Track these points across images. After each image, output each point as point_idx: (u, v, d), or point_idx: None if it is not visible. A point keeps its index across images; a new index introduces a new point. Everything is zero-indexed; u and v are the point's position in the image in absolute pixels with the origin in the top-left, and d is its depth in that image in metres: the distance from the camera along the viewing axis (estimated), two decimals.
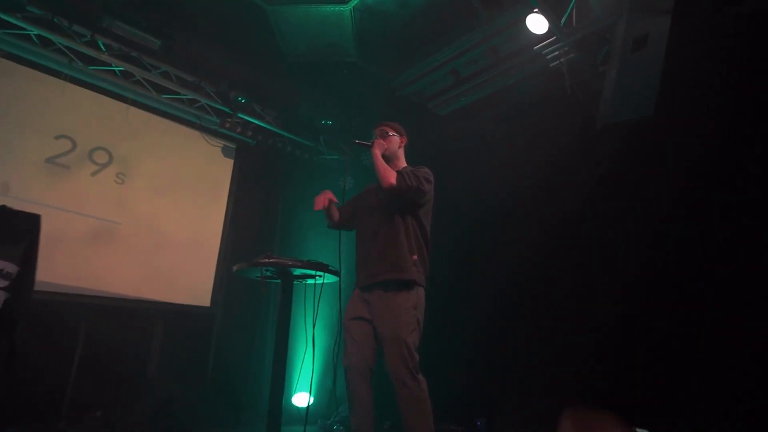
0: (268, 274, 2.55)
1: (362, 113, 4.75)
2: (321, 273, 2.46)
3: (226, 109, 4.29)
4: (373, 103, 4.62)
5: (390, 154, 2.47)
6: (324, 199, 2.47)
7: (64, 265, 3.48)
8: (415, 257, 2.27)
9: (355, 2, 3.52)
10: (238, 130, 4.33)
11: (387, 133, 2.51)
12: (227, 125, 4.25)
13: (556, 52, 2.98)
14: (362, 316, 2.30)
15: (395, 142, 2.51)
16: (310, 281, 2.66)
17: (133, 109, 3.97)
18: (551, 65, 3.07)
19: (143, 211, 3.97)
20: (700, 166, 2.21)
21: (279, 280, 2.60)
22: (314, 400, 4.27)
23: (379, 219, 2.37)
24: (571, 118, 3.00)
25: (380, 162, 2.33)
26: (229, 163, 4.63)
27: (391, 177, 2.26)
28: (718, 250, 2.21)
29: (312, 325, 2.58)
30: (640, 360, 2.48)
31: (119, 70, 3.79)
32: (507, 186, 3.50)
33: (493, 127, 3.79)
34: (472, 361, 3.42)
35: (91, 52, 3.55)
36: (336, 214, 2.57)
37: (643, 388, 2.39)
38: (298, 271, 2.52)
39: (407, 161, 2.57)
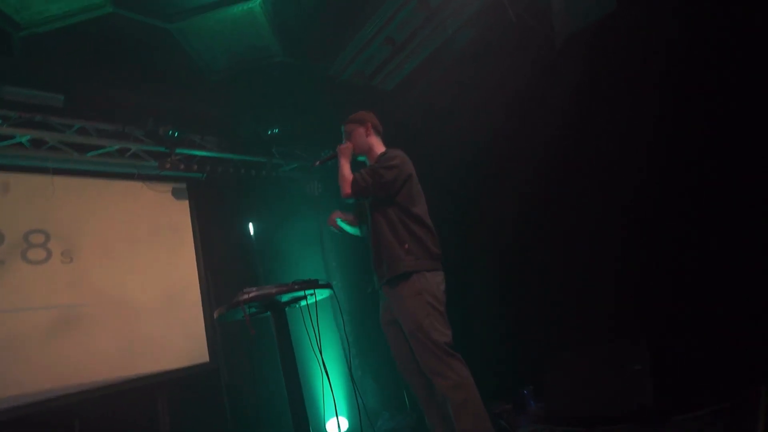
0: (254, 310, 2.25)
1: (307, 111, 4.43)
2: (311, 291, 2.19)
3: (162, 149, 3.90)
4: (315, 97, 4.29)
5: (361, 150, 2.38)
6: (333, 221, 2.48)
7: (34, 370, 3.08)
8: (407, 246, 2.15)
9: None
10: (182, 167, 3.96)
11: (348, 132, 2.40)
12: (168, 166, 3.87)
13: None
14: (392, 318, 2.23)
15: (359, 134, 2.38)
16: (305, 302, 2.39)
17: (58, 179, 3.55)
18: None
19: (104, 283, 3.57)
20: (676, 54, 2.00)
21: (268, 313, 2.32)
22: (350, 421, 3.99)
23: (367, 218, 2.30)
24: (528, 47, 2.77)
25: (340, 171, 2.27)
26: (184, 206, 4.25)
27: (345, 187, 2.23)
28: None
29: (319, 350, 2.31)
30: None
31: (27, 140, 3.36)
32: (482, 137, 3.26)
33: (448, 84, 3.53)
34: (500, 328, 3.21)
35: None
36: (354, 220, 2.49)
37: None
38: (286, 297, 2.24)
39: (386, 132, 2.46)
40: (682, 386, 2.09)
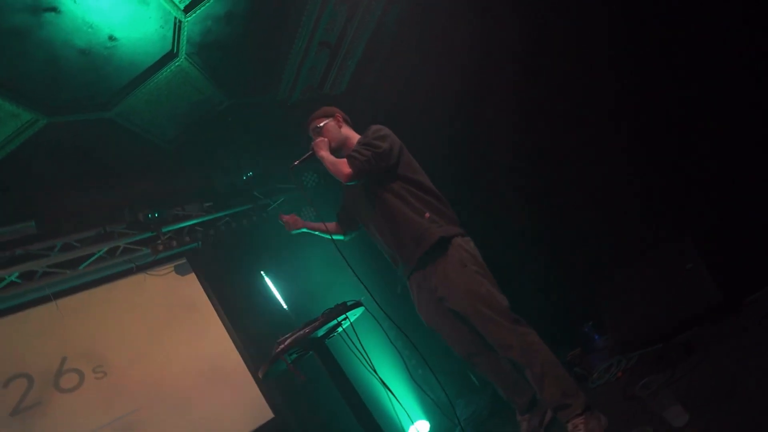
0: (295, 356, 2.18)
1: (273, 145, 4.34)
2: (343, 316, 2.11)
3: (149, 233, 3.82)
4: (274, 128, 4.21)
5: (337, 143, 2.20)
6: (289, 224, 2.38)
7: None
8: (428, 215, 2.00)
9: (185, 48, 3.09)
10: (174, 244, 3.88)
11: (319, 127, 2.22)
12: (161, 248, 3.79)
13: None
14: (434, 308, 2.08)
15: (331, 127, 2.22)
16: (341, 329, 2.32)
17: (61, 301, 3.48)
18: None
19: (145, 382, 3.50)
20: None
21: (311, 352, 2.25)
22: (430, 422, 3.92)
23: (368, 207, 2.12)
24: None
25: (327, 161, 2.09)
26: (191, 279, 4.18)
27: (344, 168, 2.02)
28: None
29: (372, 369, 2.24)
30: None
31: (17, 276, 3.28)
32: (452, 98, 3.15)
33: (400, 65, 3.44)
34: (542, 273, 3.12)
35: None
36: (330, 226, 2.37)
37: None
38: (321, 332, 2.16)
39: (358, 129, 2.29)
40: (739, 273, 1.99)
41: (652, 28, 2.21)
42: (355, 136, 2.25)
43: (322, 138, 2.18)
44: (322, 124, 2.22)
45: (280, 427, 3.84)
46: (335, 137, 2.20)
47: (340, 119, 2.27)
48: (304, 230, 2.44)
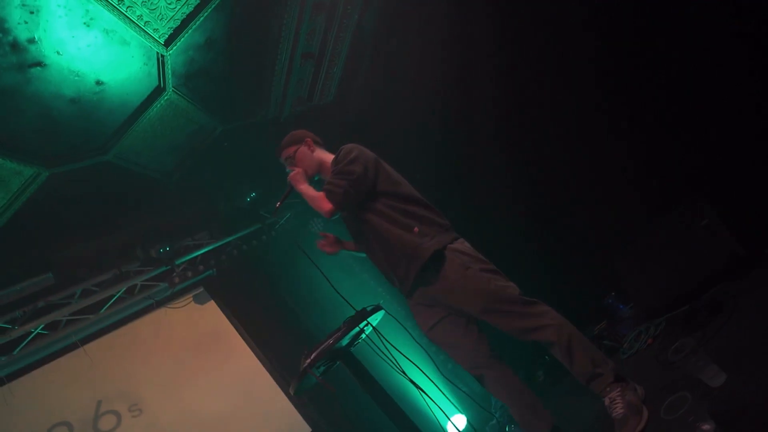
0: (323, 368, 2.18)
1: (272, 163, 4.35)
2: (364, 323, 2.11)
3: (164, 268, 3.86)
4: (271, 146, 4.22)
5: (313, 169, 2.16)
6: (329, 243, 2.27)
7: None
8: (416, 229, 1.95)
9: (171, 81, 3.11)
10: (190, 274, 3.93)
11: (291, 156, 2.18)
12: (177, 280, 3.84)
13: None
14: (436, 320, 2.03)
15: (304, 153, 2.17)
16: (364, 336, 2.31)
17: (88, 346, 3.53)
18: None
19: (182, 412, 3.54)
20: None
21: (338, 363, 2.25)
22: (466, 416, 3.90)
23: (357, 232, 2.10)
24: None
25: (307, 197, 2.03)
26: (211, 306, 4.21)
27: (323, 205, 1.97)
28: None
29: (401, 371, 2.23)
30: None
31: (42, 329, 3.34)
32: (440, 94, 3.15)
33: (385, 67, 3.43)
34: (555, 250, 3.08)
35: (3, 339, 3.11)
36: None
37: None
38: (345, 341, 2.15)
39: (330, 148, 2.24)
40: (757, 224, 1.94)
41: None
42: (329, 158, 2.18)
43: (297, 169, 2.11)
44: (293, 152, 2.17)
45: None
46: (310, 164, 2.15)
47: (311, 143, 2.20)
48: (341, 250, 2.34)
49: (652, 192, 2.41)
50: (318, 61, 3.68)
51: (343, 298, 2.19)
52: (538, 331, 1.82)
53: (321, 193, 1.99)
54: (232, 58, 3.30)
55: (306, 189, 2.04)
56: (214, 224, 4.24)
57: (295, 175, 2.08)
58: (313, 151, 2.17)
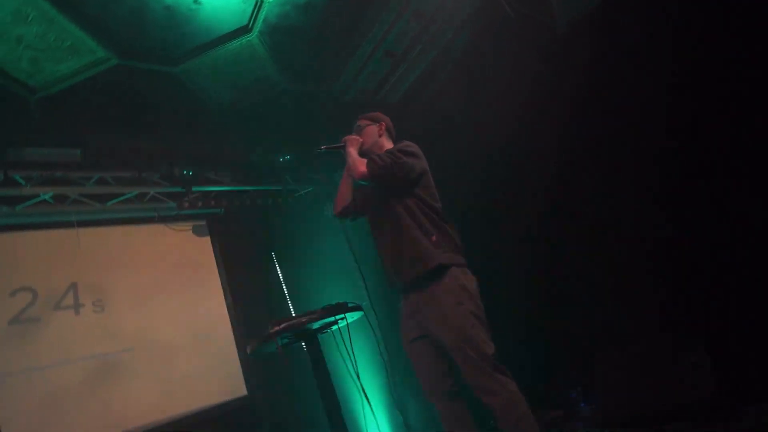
0: (286, 341, 2.22)
1: (317, 134, 4.43)
2: (341, 315, 2.14)
3: (179, 189, 3.95)
4: (322, 120, 4.31)
5: (369, 146, 2.24)
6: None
7: (70, 423, 3.10)
8: (434, 237, 1.96)
9: (259, 26, 3.22)
10: (200, 204, 4.01)
11: (361, 127, 2.31)
12: (186, 205, 3.92)
13: None
14: (418, 335, 2.02)
15: (372, 132, 2.29)
16: (335, 327, 2.35)
17: (82, 230, 3.63)
18: None
19: (135, 328, 3.61)
20: (682, 35, 1.90)
21: (302, 342, 2.29)
22: None
23: (379, 214, 2.12)
24: (529, 38, 2.71)
25: (350, 157, 2.14)
26: (206, 242, 4.29)
27: (360, 166, 2.05)
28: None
29: (356, 374, 2.26)
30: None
31: (50, 197, 3.45)
32: (494, 136, 3.19)
33: (455, 89, 3.49)
34: (539, 329, 3.07)
35: (11, 191, 3.21)
36: (347, 195, 2.27)
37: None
38: (317, 325, 2.19)
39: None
40: (742, 379, 1.94)
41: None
42: (388, 147, 2.27)
43: (357, 137, 2.25)
44: (364, 125, 2.31)
45: (248, 406, 3.88)
46: (370, 141, 2.27)
47: (383, 128, 2.32)
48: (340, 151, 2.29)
49: (661, 306, 2.39)
50: (397, 62, 3.75)
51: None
52: (492, 396, 1.81)
53: (364, 159, 2.08)
54: (321, 29, 3.40)
55: (353, 152, 2.16)
56: (241, 169, 4.32)
57: (353, 139, 2.22)
58: (380, 135, 2.30)
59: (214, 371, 3.82)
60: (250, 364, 3.98)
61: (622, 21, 2.11)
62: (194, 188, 4.02)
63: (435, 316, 1.92)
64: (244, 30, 3.20)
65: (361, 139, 2.24)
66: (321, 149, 2.29)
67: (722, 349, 2.02)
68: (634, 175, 2.46)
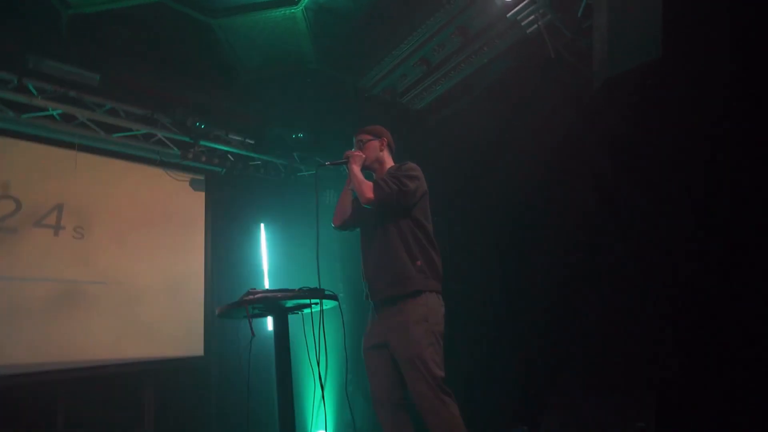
0: (257, 311, 2.22)
1: (334, 121, 4.45)
2: (317, 300, 2.15)
3: (187, 139, 3.94)
4: (342, 109, 4.32)
5: (371, 162, 2.29)
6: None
7: (26, 340, 3.07)
8: (419, 263, 2.03)
9: (306, 1, 3.24)
10: (203, 159, 3.99)
11: (362, 141, 2.32)
12: (190, 156, 3.90)
13: (532, 16, 2.74)
14: (378, 342, 2.06)
15: (373, 147, 2.31)
16: (307, 311, 2.35)
17: (81, 154, 3.59)
18: (528, 31, 2.82)
19: (110, 264, 3.58)
20: (721, 113, 1.94)
21: (271, 316, 2.30)
22: None
23: (374, 223, 2.16)
24: (564, 84, 2.75)
25: (355, 178, 2.14)
26: (199, 197, 4.27)
27: (367, 191, 2.07)
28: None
29: (316, 361, 2.26)
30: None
31: (58, 114, 3.42)
32: (506, 171, 3.21)
33: (478, 114, 3.51)
34: (494, 363, 3.12)
35: (21, 98, 3.18)
36: (348, 205, 2.29)
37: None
38: (290, 303, 2.20)
39: (396, 158, 2.35)
40: None
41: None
42: (389, 163, 2.33)
43: (360, 153, 2.25)
44: (366, 140, 2.31)
45: (202, 367, 3.86)
46: (372, 157, 2.29)
47: (385, 143, 2.34)
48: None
49: (622, 363, 2.42)
50: (430, 71, 3.78)
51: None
52: (433, 416, 1.84)
53: (369, 182, 2.12)
54: (366, 19, 3.43)
55: (357, 171, 2.17)
56: (252, 135, 4.31)
57: (356, 156, 2.22)
58: (381, 150, 2.32)
59: (177, 325, 3.80)
60: (212, 327, 3.96)
61: (657, 90, 2.15)
62: (202, 142, 4.00)
63: (397, 328, 1.97)
64: (291, 1, 3.22)
65: (363, 156, 2.25)
66: (325, 164, 2.31)
67: (671, 416, 2.05)
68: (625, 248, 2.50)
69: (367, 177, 2.23)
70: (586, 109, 2.62)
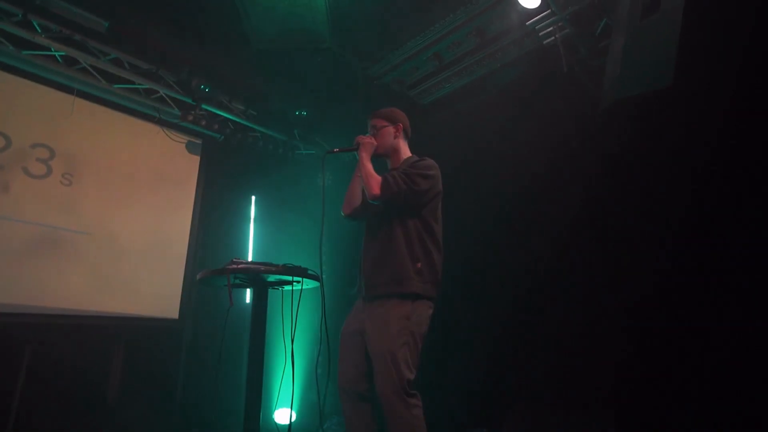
0: (238, 281, 2.22)
1: (339, 104, 4.42)
2: (299, 278, 2.15)
3: (189, 100, 3.88)
4: (350, 92, 4.29)
5: (385, 150, 2.16)
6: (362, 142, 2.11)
7: (5, 282, 3.03)
8: (419, 265, 1.95)
9: None
10: (203, 123, 3.94)
11: (376, 127, 2.18)
12: (190, 118, 3.85)
13: (550, 28, 2.74)
14: (357, 329, 2.02)
15: (388, 133, 2.16)
16: (288, 287, 2.36)
17: (79, 100, 3.52)
18: (545, 42, 2.83)
19: (95, 215, 3.53)
20: (729, 142, 1.97)
21: (251, 288, 2.30)
22: (298, 416, 3.93)
23: (377, 218, 2.07)
24: (571, 99, 2.76)
25: (364, 169, 2.00)
26: (194, 160, 4.23)
27: (374, 186, 1.95)
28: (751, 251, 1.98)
29: (291, 337, 2.27)
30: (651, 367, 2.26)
31: (60, 56, 3.34)
32: (501, 179, 3.23)
33: (483, 117, 3.52)
34: (466, 365, 3.16)
35: (24, 34, 3.09)
36: (358, 192, 2.14)
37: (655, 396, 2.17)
38: (272, 278, 2.20)
39: (413, 147, 2.24)
40: None
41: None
42: (404, 153, 2.20)
43: (372, 140, 2.11)
44: (380, 126, 2.17)
45: (175, 331, 3.85)
46: (385, 145, 2.15)
47: (400, 129, 2.19)
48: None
49: (586, 376, 2.47)
50: (442, 68, 3.77)
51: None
52: (394, 415, 1.80)
53: (378, 176, 1.99)
54: (387, 6, 3.40)
55: (367, 162, 2.03)
56: (256, 106, 4.26)
57: (367, 144, 2.08)
58: (396, 137, 2.18)
59: (155, 286, 3.78)
60: (190, 292, 3.95)
61: (663, 118, 2.17)
62: (204, 105, 3.95)
63: (377, 320, 1.93)
64: None
65: (375, 143, 2.11)
66: (333, 151, 2.21)
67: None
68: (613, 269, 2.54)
69: (379, 165, 2.11)
70: (587, 126, 2.64)
